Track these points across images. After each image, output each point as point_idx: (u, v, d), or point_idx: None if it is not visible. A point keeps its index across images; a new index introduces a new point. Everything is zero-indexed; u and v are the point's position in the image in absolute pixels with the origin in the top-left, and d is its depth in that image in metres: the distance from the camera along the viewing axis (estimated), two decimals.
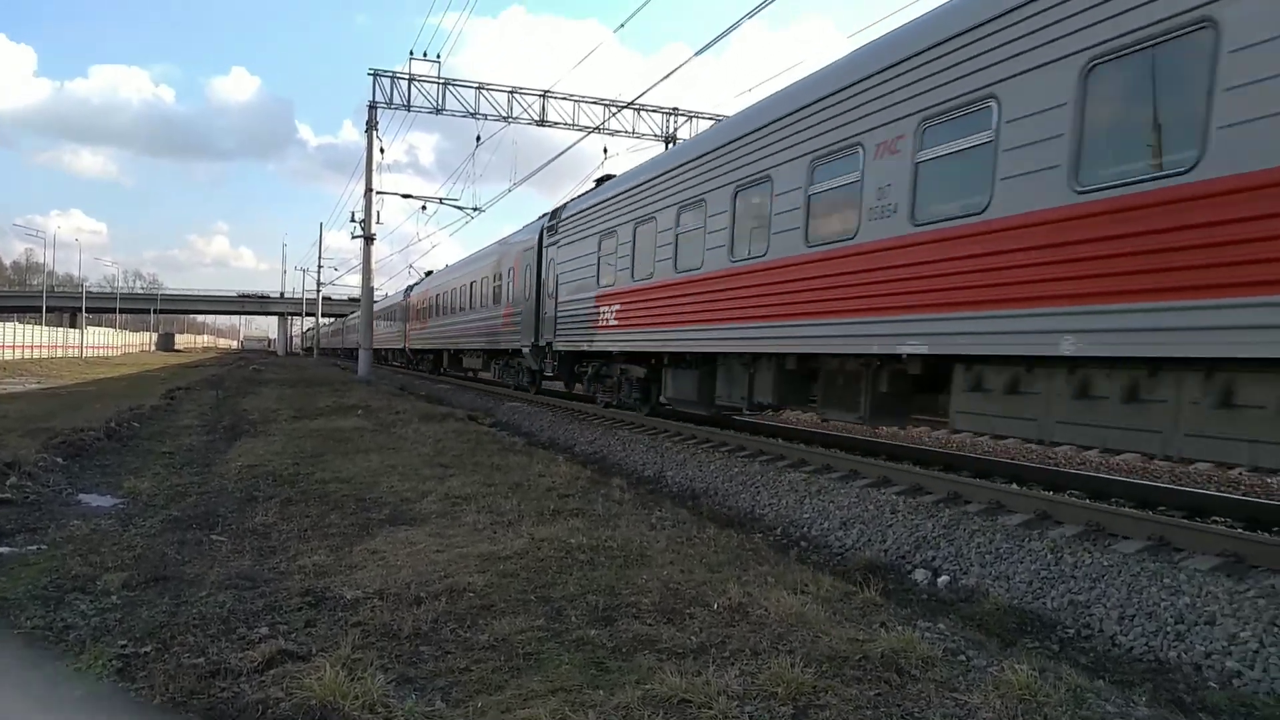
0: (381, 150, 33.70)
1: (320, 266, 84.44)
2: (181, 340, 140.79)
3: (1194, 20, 5.55)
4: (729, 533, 7.10)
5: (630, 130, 33.20)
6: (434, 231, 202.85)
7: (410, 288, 42.59)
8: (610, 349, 15.91)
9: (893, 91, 8.24)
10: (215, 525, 7.10)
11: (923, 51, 7.88)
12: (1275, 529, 7.12)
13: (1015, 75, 6.87)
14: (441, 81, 31.51)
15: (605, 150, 33.24)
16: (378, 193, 33.94)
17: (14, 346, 57.31)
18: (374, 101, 31.62)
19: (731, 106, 15.11)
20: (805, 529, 8.42)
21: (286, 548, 6.28)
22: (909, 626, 4.47)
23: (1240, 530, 6.90)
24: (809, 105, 9.59)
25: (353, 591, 5.01)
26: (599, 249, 16.22)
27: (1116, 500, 8.11)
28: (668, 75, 34.13)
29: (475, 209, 36.91)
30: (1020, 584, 6.23)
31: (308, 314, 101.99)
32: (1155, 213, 5.79)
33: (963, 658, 4.10)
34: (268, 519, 7.23)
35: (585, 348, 17.05)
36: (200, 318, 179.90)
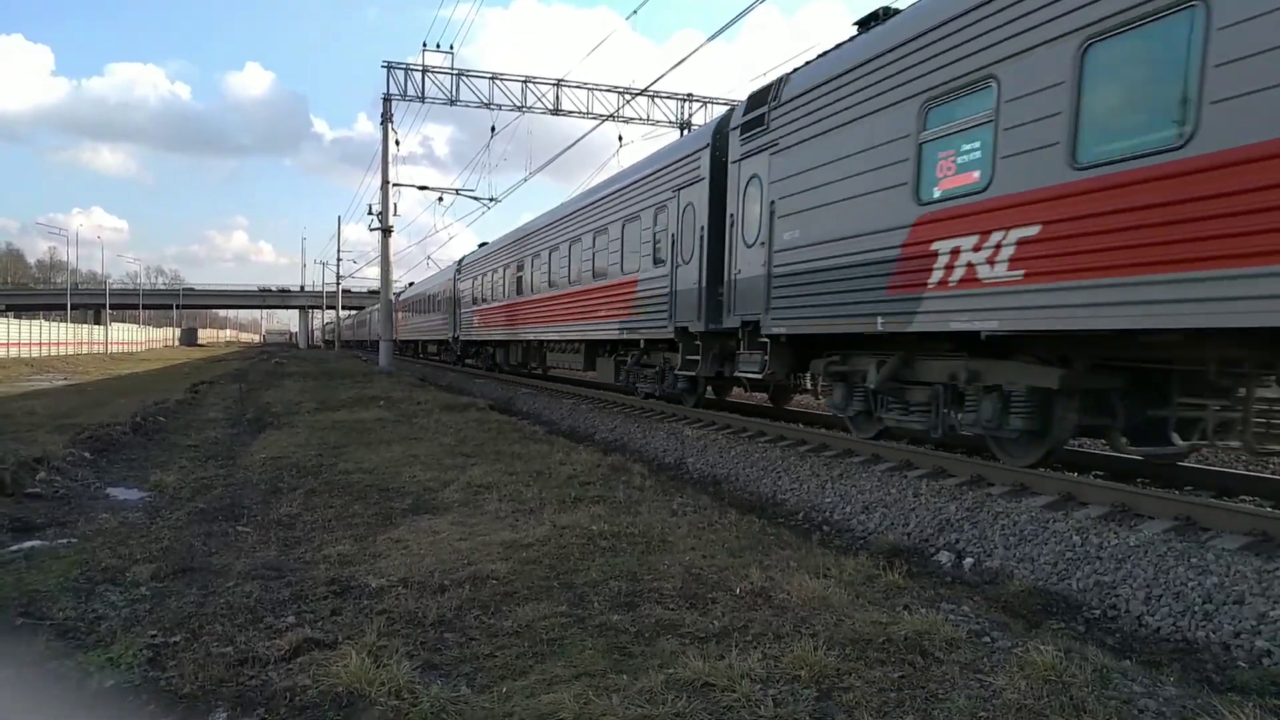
0: (397, 143, 33.86)
1: (339, 260, 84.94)
2: (204, 335, 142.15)
3: None
4: (750, 518, 7.10)
5: (645, 117, 33.12)
6: (451, 223, 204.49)
7: (463, 262, 34.23)
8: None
9: None
10: (241, 517, 7.18)
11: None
12: None
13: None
14: (455, 72, 31.53)
15: (620, 138, 33.25)
16: (394, 185, 34.13)
17: (41, 344, 58.02)
18: (388, 94, 31.71)
19: (744, 90, 14.92)
20: (827, 514, 8.40)
21: (311, 538, 6.34)
22: (933, 609, 4.46)
23: (1269, 509, 6.81)
24: None
25: (377, 580, 5.05)
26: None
27: (1142, 481, 8.03)
28: (681, 62, 33.78)
29: (492, 199, 37.13)
30: (1045, 565, 6.19)
31: (328, 307, 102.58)
32: None
33: (987, 639, 4.08)
34: (292, 510, 7.30)
35: (861, 327, 9.21)
36: (222, 312, 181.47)
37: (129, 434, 12.50)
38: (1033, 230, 7.05)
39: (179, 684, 3.64)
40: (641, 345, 16.47)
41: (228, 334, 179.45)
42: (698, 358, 13.33)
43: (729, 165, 12.13)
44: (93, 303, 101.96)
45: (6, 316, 57.87)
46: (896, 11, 9.35)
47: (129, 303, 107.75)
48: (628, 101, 32.48)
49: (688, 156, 13.54)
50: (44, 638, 4.19)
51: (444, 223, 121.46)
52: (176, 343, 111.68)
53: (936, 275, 8.06)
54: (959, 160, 7.87)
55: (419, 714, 3.29)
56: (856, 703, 3.33)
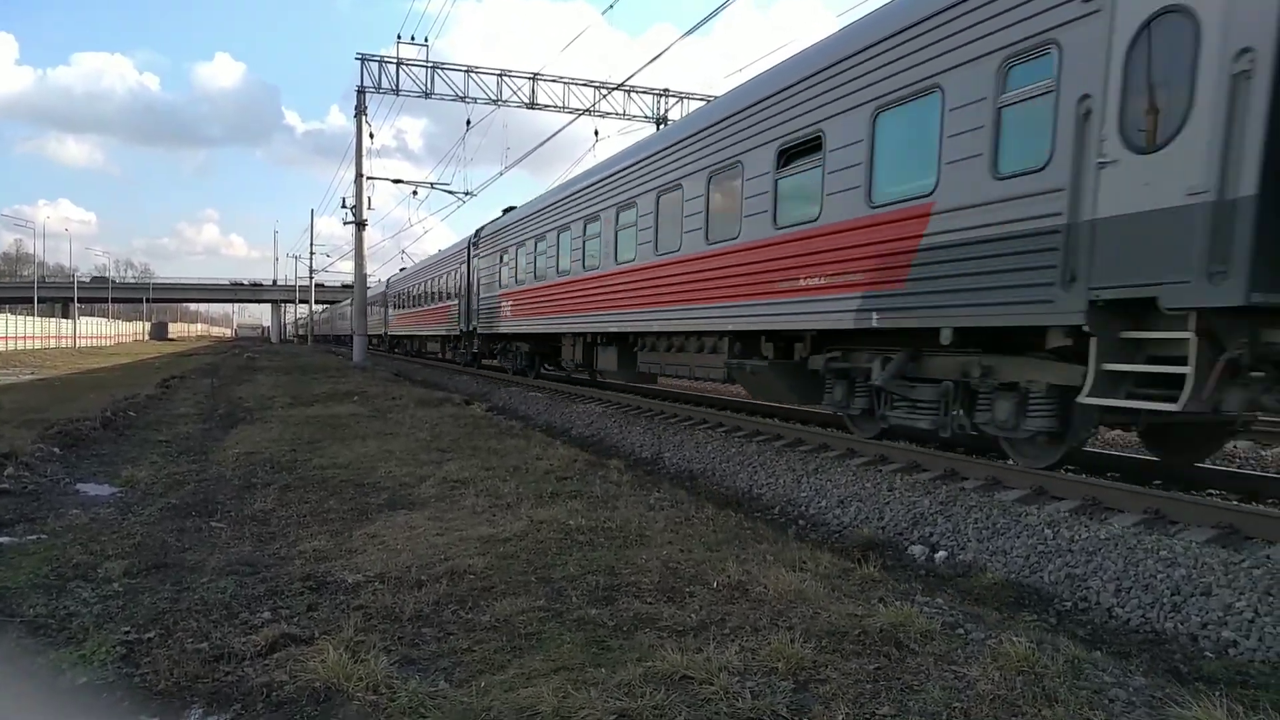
0: (371, 135, 33.64)
1: (313, 253, 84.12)
2: (175, 329, 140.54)
3: None
4: (727, 512, 7.13)
5: (621, 112, 33.10)
6: (425, 217, 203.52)
7: (481, 234, 25.67)
8: None
9: None
10: (214, 512, 7.11)
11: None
12: (1270, 500, 7.18)
13: None
14: (430, 65, 31.38)
15: (596, 133, 33.28)
16: (368, 178, 33.86)
17: (6, 338, 57.03)
18: (362, 86, 31.48)
19: (721, 87, 14.44)
20: (803, 507, 8.46)
21: (286, 534, 6.29)
22: (907, 601, 4.50)
23: (1236, 502, 6.95)
24: None
25: (354, 575, 5.02)
26: None
27: (1112, 474, 8.15)
28: (657, 57, 33.75)
29: (467, 193, 36.89)
30: (1018, 558, 6.28)
31: (301, 301, 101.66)
32: None
33: (961, 631, 4.13)
34: (267, 505, 7.24)
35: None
36: (193, 306, 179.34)
37: (99, 429, 12.32)
38: None
39: (153, 681, 3.60)
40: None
41: (199, 328, 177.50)
42: None
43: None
44: (60, 296, 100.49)
45: None
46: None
47: (98, 296, 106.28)
48: (604, 96, 32.45)
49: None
50: (14, 635, 4.13)
51: (418, 216, 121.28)
52: (147, 337, 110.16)
53: None
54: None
55: (397, 709, 3.28)
56: (833, 694, 3.36)
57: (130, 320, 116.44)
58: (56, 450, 10.07)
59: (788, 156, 10.09)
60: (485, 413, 16.08)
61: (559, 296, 18.28)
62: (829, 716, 3.19)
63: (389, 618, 4.30)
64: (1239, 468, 9.26)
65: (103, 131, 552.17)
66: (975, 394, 8.15)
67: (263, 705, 3.40)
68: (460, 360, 30.48)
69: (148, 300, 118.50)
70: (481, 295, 24.98)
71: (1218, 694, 3.38)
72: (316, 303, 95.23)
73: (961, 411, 8.30)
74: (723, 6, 16.45)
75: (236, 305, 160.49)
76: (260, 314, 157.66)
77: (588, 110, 32.00)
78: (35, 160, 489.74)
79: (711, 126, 11.94)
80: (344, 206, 36.10)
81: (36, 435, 10.58)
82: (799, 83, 9.89)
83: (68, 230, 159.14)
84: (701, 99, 31.50)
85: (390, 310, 45.21)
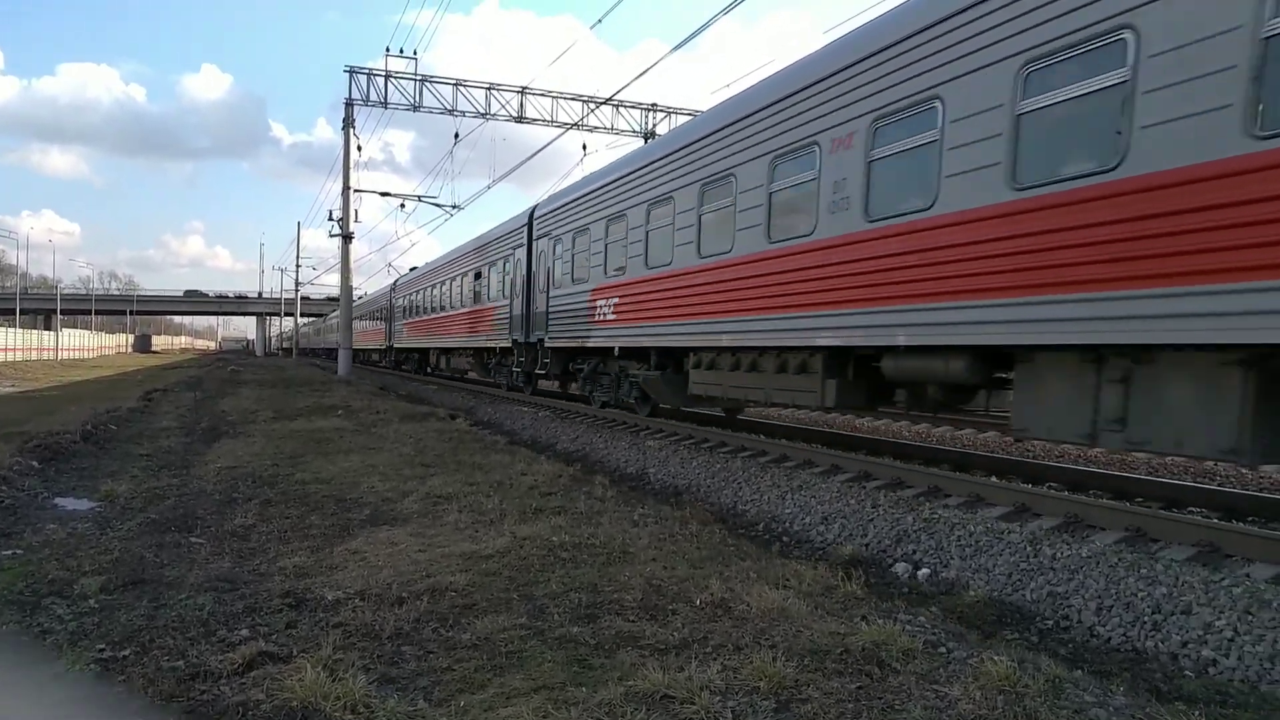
0: (359, 148, 33.60)
1: (299, 266, 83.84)
2: (159, 342, 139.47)
3: None
4: (711, 529, 7.11)
5: (609, 126, 33.22)
6: (413, 230, 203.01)
7: (535, 212, 19.63)
8: None
9: None
10: (194, 528, 7.04)
11: None
12: (1251, 519, 7.22)
13: None
14: (418, 78, 31.44)
15: (584, 147, 33.30)
16: (355, 191, 33.81)
17: None
18: (350, 99, 31.49)
19: (707, 102, 14.42)
20: (787, 524, 8.45)
21: (266, 549, 6.23)
22: (890, 619, 4.50)
23: (1216, 520, 6.98)
24: None
25: (334, 592, 4.98)
26: None
27: (1094, 492, 8.19)
28: (644, 72, 33.95)
29: (455, 206, 36.92)
30: (1000, 576, 6.28)
31: (286, 314, 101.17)
32: None
33: (943, 650, 4.12)
34: (247, 521, 7.18)
35: None
36: (177, 319, 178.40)
37: (79, 443, 12.20)
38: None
39: (128, 699, 3.56)
40: None
41: (183, 341, 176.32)
42: None
43: None
44: (43, 308, 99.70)
45: None
46: None
47: (81, 308, 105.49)
48: (592, 110, 32.57)
49: None
50: None
51: (406, 229, 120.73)
52: (130, 349, 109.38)
53: None
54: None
55: None
56: (814, 714, 3.35)
57: (114, 332, 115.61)
58: (35, 464, 9.96)
59: None
60: (470, 427, 16.03)
61: (735, 285, 10.83)
62: None
63: (369, 635, 4.27)
64: (1220, 485, 9.31)
65: (88, 142, 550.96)
66: None
67: None
68: (504, 382, 22.95)
69: (131, 312, 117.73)
70: (552, 293, 17.70)
71: (1197, 713, 3.40)
72: (302, 315, 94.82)
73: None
74: (708, 24, 16.56)
75: (221, 318, 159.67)
76: (245, 327, 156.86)
77: (576, 124, 32.09)
78: (19, 171, 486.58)
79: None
80: (331, 219, 36.07)
81: (15, 449, 10.46)
82: None
83: (51, 241, 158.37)
84: (689, 114, 31.63)
85: (398, 320, 37.47)
